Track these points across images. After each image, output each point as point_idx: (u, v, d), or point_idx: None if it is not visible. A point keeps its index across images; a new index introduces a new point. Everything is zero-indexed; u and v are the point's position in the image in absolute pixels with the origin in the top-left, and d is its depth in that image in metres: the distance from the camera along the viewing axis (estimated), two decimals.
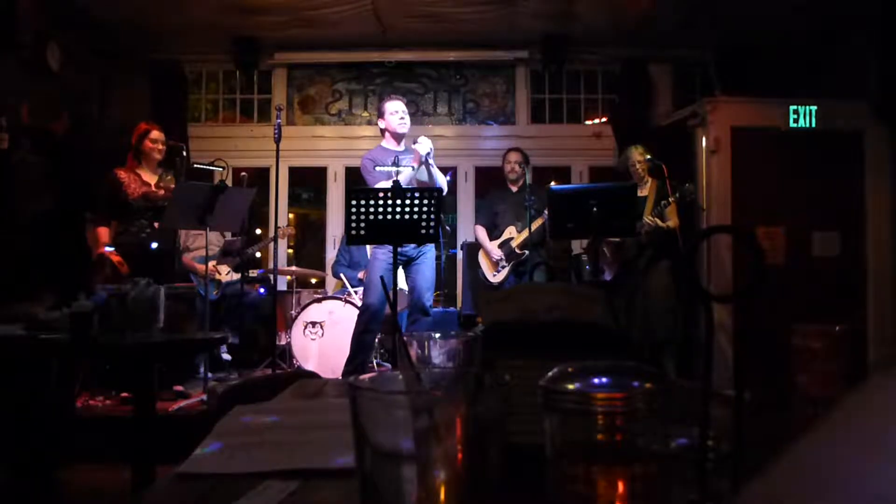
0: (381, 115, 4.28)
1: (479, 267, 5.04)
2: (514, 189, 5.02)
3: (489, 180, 5.86)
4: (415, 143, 4.02)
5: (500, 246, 4.94)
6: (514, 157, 5.05)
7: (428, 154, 3.95)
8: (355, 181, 6.54)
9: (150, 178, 4.19)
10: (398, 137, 4.21)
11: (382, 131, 4.27)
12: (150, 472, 2.19)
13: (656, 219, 4.33)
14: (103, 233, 4.08)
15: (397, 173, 3.97)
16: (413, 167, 4.01)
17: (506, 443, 0.41)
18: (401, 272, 4.22)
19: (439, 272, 4.82)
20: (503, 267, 4.91)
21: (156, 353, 2.47)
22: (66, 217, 4.73)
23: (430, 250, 4.13)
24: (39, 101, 4.55)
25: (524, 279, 4.82)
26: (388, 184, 3.89)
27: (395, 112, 4.19)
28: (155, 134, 4.22)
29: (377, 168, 4.08)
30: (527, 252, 4.78)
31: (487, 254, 5.00)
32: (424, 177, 4.02)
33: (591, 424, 0.43)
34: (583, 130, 6.31)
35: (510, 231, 4.92)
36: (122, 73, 5.81)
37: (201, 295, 4.24)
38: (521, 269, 4.85)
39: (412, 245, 3.98)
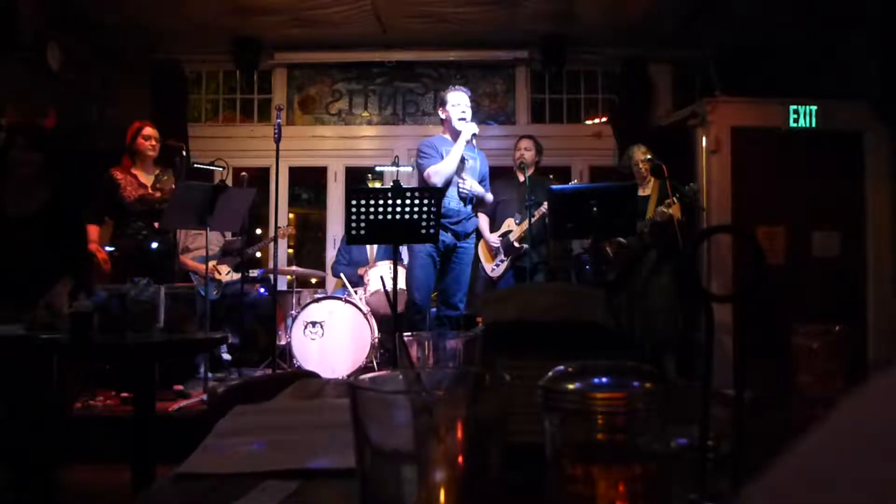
0: (442, 104, 4.09)
1: (479, 260, 4.98)
2: (521, 178, 4.82)
3: (489, 180, 5.82)
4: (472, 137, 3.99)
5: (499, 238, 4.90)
6: (524, 143, 4.89)
7: (473, 135, 3.96)
8: (355, 181, 6.56)
9: (147, 179, 4.17)
10: (455, 134, 4.01)
11: (443, 122, 4.12)
12: (150, 472, 2.20)
13: (666, 210, 4.29)
14: (93, 230, 4.07)
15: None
16: (462, 179, 4.03)
17: (506, 443, 0.41)
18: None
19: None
20: (501, 261, 4.85)
21: (156, 353, 2.47)
22: (66, 215, 4.73)
23: (470, 242, 4.12)
24: (26, 98, 4.54)
25: (523, 276, 4.78)
26: (445, 167, 3.90)
27: (457, 104, 4.00)
28: (147, 130, 4.18)
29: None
30: (525, 246, 4.71)
31: (486, 243, 4.93)
32: (478, 190, 4.11)
33: (591, 424, 0.43)
34: (583, 130, 6.31)
35: (508, 223, 4.83)
36: (122, 73, 5.80)
37: (201, 295, 4.24)
38: (520, 264, 4.78)
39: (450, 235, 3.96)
